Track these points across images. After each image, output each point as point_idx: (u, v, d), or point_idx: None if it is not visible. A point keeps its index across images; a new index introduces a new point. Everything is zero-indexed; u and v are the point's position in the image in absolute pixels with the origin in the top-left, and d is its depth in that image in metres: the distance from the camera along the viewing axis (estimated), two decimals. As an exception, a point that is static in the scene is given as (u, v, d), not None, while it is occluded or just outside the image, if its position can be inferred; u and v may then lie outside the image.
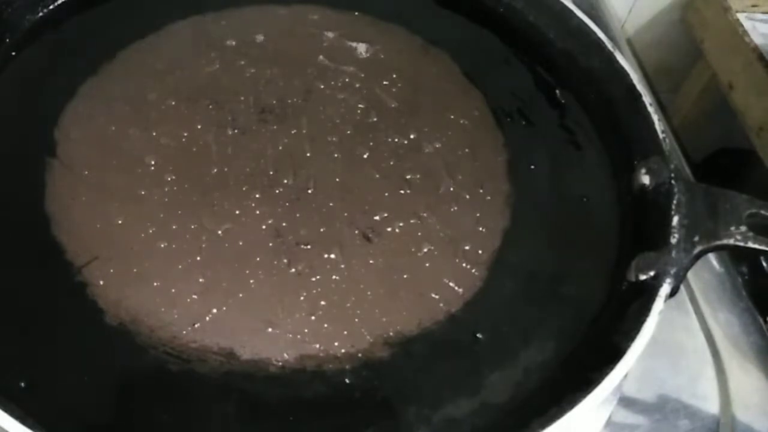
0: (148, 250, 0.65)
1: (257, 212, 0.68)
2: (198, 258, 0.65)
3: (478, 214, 0.70)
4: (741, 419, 0.73)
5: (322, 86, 0.79)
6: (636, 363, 0.58)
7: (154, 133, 0.73)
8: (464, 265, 0.67)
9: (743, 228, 0.63)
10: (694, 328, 0.78)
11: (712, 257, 0.81)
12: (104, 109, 0.75)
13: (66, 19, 0.83)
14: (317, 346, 0.62)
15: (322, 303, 0.64)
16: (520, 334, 0.62)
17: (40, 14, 0.82)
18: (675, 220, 0.65)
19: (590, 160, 0.76)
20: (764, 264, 0.90)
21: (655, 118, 0.71)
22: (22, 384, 0.58)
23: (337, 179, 0.72)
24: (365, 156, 0.74)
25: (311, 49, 0.82)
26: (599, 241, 0.69)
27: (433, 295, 0.65)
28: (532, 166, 0.74)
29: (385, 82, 0.80)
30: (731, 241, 0.63)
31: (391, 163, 0.73)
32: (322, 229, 0.68)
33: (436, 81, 0.81)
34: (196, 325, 0.61)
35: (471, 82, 0.81)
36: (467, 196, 0.71)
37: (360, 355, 0.61)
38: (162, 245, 0.66)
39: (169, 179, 0.70)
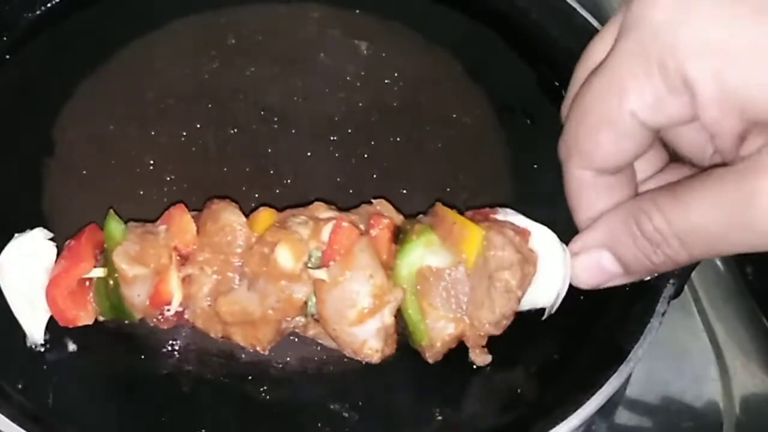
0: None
1: (257, 212, 0.68)
2: (197, 258, 0.65)
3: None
4: (744, 420, 0.73)
5: (322, 85, 0.78)
6: (639, 364, 0.58)
7: (153, 133, 0.73)
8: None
9: (748, 228, 0.63)
10: (697, 329, 0.77)
11: (715, 258, 0.80)
12: (103, 109, 0.75)
13: (64, 17, 0.82)
14: (318, 348, 0.61)
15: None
16: (523, 336, 0.61)
17: (38, 12, 0.82)
18: (679, 220, 0.64)
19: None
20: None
21: (658, 116, 0.71)
22: (19, 385, 0.58)
23: (338, 179, 0.71)
24: (366, 155, 0.74)
25: (312, 47, 0.81)
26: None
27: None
28: (535, 165, 0.73)
29: (386, 81, 0.79)
30: (735, 242, 0.63)
31: (393, 162, 0.73)
32: (322, 230, 0.68)
33: (437, 79, 0.80)
34: (195, 329, 0.61)
35: (473, 80, 0.80)
36: (469, 196, 0.71)
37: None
38: (161, 245, 0.65)
39: (168, 179, 0.70)
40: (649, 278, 0.62)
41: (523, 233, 0.58)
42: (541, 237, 0.58)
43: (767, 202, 0.43)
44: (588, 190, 0.54)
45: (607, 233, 0.53)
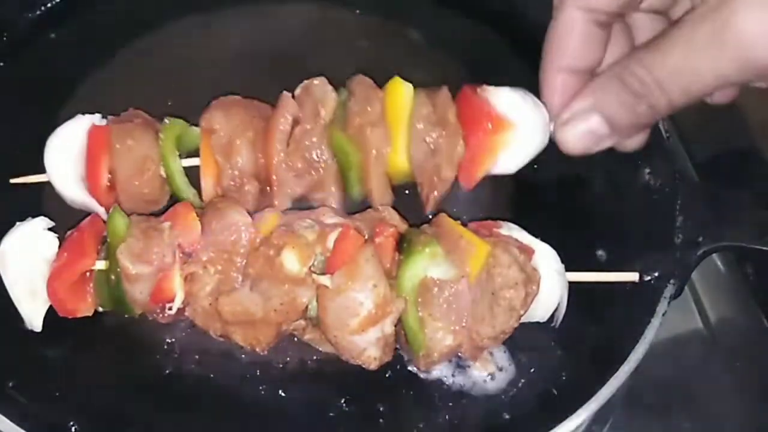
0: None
1: (257, 212, 0.68)
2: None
3: (481, 214, 0.69)
4: (744, 420, 0.73)
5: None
6: (640, 364, 0.58)
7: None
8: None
9: (747, 228, 0.63)
10: (698, 329, 0.77)
11: (716, 258, 0.80)
12: (103, 109, 0.74)
13: (64, 17, 0.82)
14: (318, 347, 0.61)
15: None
16: (523, 337, 0.61)
17: (38, 12, 0.82)
18: (679, 220, 0.64)
19: (594, 160, 0.75)
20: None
21: (659, 117, 0.71)
22: (17, 383, 0.58)
23: (338, 179, 0.71)
24: (366, 155, 0.73)
25: (312, 47, 0.81)
26: (602, 240, 0.69)
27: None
28: (535, 165, 0.73)
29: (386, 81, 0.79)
30: (736, 242, 0.63)
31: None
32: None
33: (437, 80, 0.80)
34: (195, 327, 0.61)
35: (474, 80, 0.80)
36: (471, 195, 0.71)
37: (361, 356, 0.61)
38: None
39: (168, 179, 0.70)
40: (649, 278, 0.62)
41: (527, 251, 0.58)
42: (543, 255, 0.59)
43: (741, 21, 0.45)
44: (574, 40, 0.56)
45: (595, 95, 0.55)
